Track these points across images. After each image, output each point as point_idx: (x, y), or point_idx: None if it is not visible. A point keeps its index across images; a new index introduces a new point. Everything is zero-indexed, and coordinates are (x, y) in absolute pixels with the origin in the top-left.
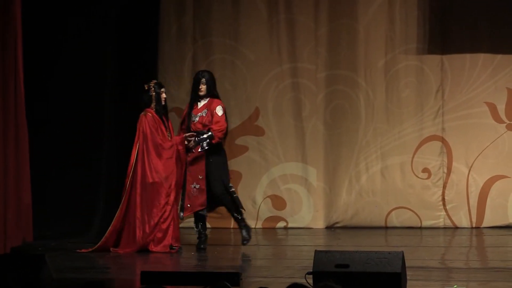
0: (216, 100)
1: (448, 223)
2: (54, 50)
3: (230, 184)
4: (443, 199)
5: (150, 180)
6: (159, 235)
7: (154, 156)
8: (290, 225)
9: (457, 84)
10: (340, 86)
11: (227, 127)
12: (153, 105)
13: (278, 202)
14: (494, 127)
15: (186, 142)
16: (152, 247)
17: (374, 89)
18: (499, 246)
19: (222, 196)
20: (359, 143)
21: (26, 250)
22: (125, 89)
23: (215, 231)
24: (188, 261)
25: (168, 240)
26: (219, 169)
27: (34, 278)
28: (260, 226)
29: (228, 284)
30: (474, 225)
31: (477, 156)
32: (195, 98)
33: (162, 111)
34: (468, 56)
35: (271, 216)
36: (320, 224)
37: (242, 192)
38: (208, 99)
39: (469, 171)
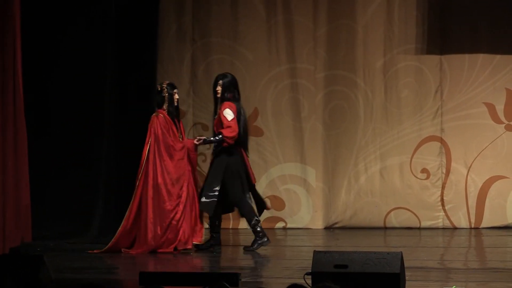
0: (224, 103)
1: (447, 223)
2: (54, 50)
3: (213, 190)
4: (442, 200)
5: (161, 182)
6: (171, 236)
7: (166, 157)
8: (289, 225)
9: (456, 84)
10: (339, 87)
11: (239, 132)
12: (165, 106)
13: (277, 202)
14: (493, 127)
15: (196, 141)
16: (164, 248)
17: (373, 89)
18: (498, 246)
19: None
20: (358, 144)
21: (24, 250)
22: (125, 89)
23: None
24: (187, 262)
25: (180, 241)
26: (210, 173)
27: (32, 279)
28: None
29: (227, 285)
30: (473, 226)
31: (476, 157)
32: (215, 100)
33: (175, 113)
34: (467, 56)
35: (270, 217)
36: (319, 224)
37: None
38: (223, 102)
39: (468, 172)
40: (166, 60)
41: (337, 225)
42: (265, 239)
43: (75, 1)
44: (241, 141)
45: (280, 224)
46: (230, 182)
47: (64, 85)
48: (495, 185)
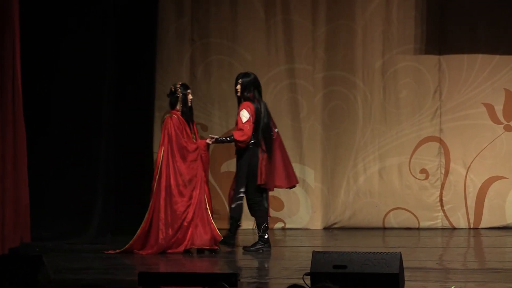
0: (242, 104)
1: (446, 224)
2: (53, 50)
3: (239, 191)
4: (441, 200)
5: (174, 183)
6: (181, 236)
7: (179, 159)
8: (288, 226)
9: (455, 85)
10: (337, 87)
11: (257, 133)
12: (179, 106)
13: (276, 203)
14: (491, 128)
15: (208, 141)
16: (173, 249)
17: (371, 90)
18: (497, 247)
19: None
20: (357, 144)
21: (23, 251)
22: (124, 89)
23: None
24: (186, 262)
25: (188, 242)
26: (234, 177)
27: (31, 279)
28: None
29: (226, 285)
30: (472, 226)
31: (475, 157)
32: (237, 99)
33: (188, 113)
34: (465, 56)
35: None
36: (318, 225)
37: None
38: (242, 102)
39: (467, 172)
40: (165, 60)
41: (336, 226)
42: (266, 247)
43: (74, 2)
44: (258, 142)
45: (279, 225)
46: (236, 181)
47: (63, 85)
48: (494, 186)
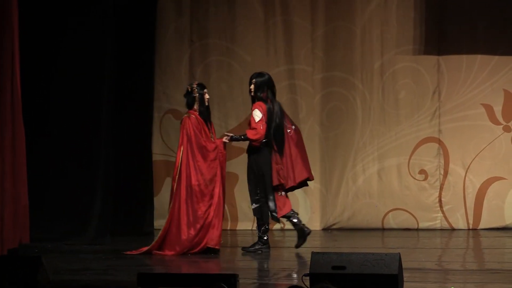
0: (255, 104)
1: (445, 224)
2: (52, 50)
3: (256, 193)
4: (440, 201)
5: (196, 183)
6: (202, 236)
7: (200, 158)
8: (287, 226)
9: (454, 85)
10: (336, 88)
11: (268, 132)
12: (196, 106)
13: None
14: (490, 128)
15: (225, 139)
16: (196, 250)
17: (370, 90)
18: (496, 247)
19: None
20: (356, 145)
21: (22, 251)
22: (123, 90)
23: None
24: (186, 263)
25: (212, 241)
26: (247, 179)
27: (31, 280)
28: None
29: (225, 286)
30: (470, 227)
31: (474, 158)
32: (251, 99)
33: (206, 113)
34: (464, 57)
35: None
36: (316, 225)
37: (239, 194)
38: (255, 101)
39: (466, 173)
40: (164, 61)
41: (335, 226)
42: (265, 248)
43: (74, 2)
44: (270, 142)
45: (277, 226)
46: (251, 183)
47: (63, 86)
48: (493, 186)
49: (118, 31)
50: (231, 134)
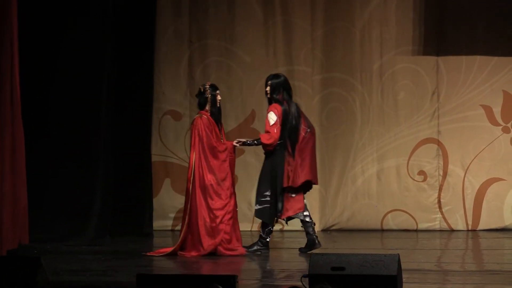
0: (270, 106)
1: (444, 225)
2: (52, 50)
3: (264, 195)
4: (439, 202)
5: (210, 182)
6: (226, 237)
7: (211, 158)
8: (286, 227)
9: (453, 86)
10: (336, 89)
11: (283, 135)
12: (208, 107)
13: None
14: (490, 129)
15: (235, 143)
16: (222, 251)
17: (369, 91)
18: (495, 248)
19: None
20: (355, 146)
21: (22, 252)
22: (122, 90)
23: None
24: (185, 264)
25: (235, 242)
26: (259, 179)
27: (30, 281)
28: (256, 229)
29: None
30: (470, 228)
31: (473, 159)
32: (267, 100)
33: (217, 114)
34: (464, 58)
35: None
36: (316, 226)
37: (238, 195)
38: (271, 103)
39: (465, 174)
40: (163, 61)
41: (334, 227)
42: (265, 249)
43: (73, 2)
44: (285, 144)
45: (277, 227)
46: (263, 183)
47: (62, 86)
48: (492, 187)
49: (118, 32)
50: (243, 140)
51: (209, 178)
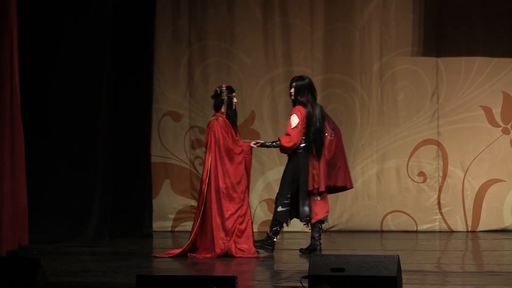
0: (294, 108)
1: (444, 226)
2: (51, 51)
3: (286, 197)
4: (439, 203)
5: (224, 186)
6: (239, 239)
7: (227, 161)
8: (285, 228)
9: (453, 87)
10: (335, 90)
11: (305, 136)
12: (224, 109)
13: (273, 205)
14: (489, 131)
15: (253, 144)
16: (236, 252)
17: (369, 92)
18: (495, 250)
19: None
20: (355, 147)
21: (22, 253)
22: (122, 91)
23: None
24: (184, 265)
25: (250, 244)
26: (281, 181)
27: (29, 282)
28: (256, 230)
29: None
30: (469, 229)
31: (473, 160)
32: (292, 102)
33: (233, 116)
34: (463, 59)
35: (266, 220)
36: None
37: None
38: (295, 105)
39: (465, 175)
40: (162, 62)
41: (334, 228)
42: (270, 249)
43: (73, 2)
44: (309, 146)
45: None
46: (285, 185)
47: (62, 86)
48: (491, 189)
49: (117, 32)
50: (261, 141)
51: (224, 182)
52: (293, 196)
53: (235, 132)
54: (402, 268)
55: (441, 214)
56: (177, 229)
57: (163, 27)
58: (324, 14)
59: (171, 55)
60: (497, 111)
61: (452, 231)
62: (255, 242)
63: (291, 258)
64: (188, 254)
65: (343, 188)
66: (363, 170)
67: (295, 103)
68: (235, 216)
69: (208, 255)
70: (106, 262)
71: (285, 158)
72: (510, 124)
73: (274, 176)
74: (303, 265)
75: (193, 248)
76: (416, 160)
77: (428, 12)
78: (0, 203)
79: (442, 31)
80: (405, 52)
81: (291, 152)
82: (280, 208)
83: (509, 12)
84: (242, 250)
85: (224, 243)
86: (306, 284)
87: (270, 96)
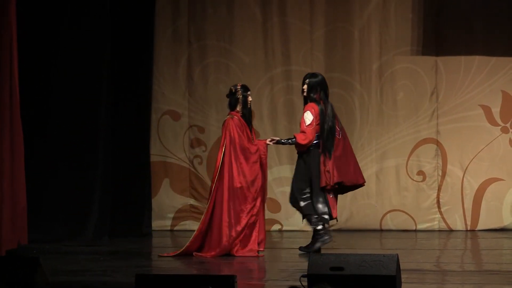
0: (306, 105)
1: (443, 225)
2: (51, 51)
3: (303, 192)
4: (438, 202)
5: (238, 185)
6: (245, 239)
7: (243, 160)
8: (285, 228)
9: (452, 86)
10: (335, 89)
11: (318, 134)
12: (239, 108)
13: (273, 205)
14: (489, 130)
15: (269, 141)
16: (238, 252)
17: (369, 92)
18: (494, 248)
19: (293, 206)
20: (354, 146)
21: (21, 252)
22: (121, 91)
23: None
24: (184, 265)
25: (254, 244)
26: (294, 178)
27: (29, 281)
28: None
29: None
30: (469, 228)
31: (472, 159)
32: (303, 99)
33: (248, 115)
34: (463, 58)
35: (266, 219)
36: None
37: None
38: (307, 102)
39: (464, 174)
40: (162, 62)
41: (333, 228)
42: (327, 238)
43: (72, 2)
44: (322, 144)
45: (276, 227)
46: (298, 181)
47: (61, 86)
48: (491, 188)
49: (117, 32)
50: (277, 138)
51: (239, 181)
52: (312, 190)
53: (250, 131)
54: (401, 267)
55: (440, 213)
56: (176, 228)
57: (163, 27)
58: (324, 14)
59: (171, 55)
60: (496, 110)
61: (451, 230)
62: (306, 247)
63: (290, 257)
64: (194, 254)
65: (356, 186)
66: (363, 169)
67: (307, 100)
68: (248, 215)
69: (213, 253)
70: (105, 262)
71: (285, 158)
72: (509, 123)
73: (273, 175)
74: (302, 264)
75: (199, 247)
76: (416, 159)
77: (428, 11)
78: (0, 203)
79: (441, 31)
80: (404, 51)
81: (306, 149)
82: (302, 203)
83: (508, 12)
84: (243, 249)
85: (231, 241)
86: (305, 283)
87: (270, 95)
